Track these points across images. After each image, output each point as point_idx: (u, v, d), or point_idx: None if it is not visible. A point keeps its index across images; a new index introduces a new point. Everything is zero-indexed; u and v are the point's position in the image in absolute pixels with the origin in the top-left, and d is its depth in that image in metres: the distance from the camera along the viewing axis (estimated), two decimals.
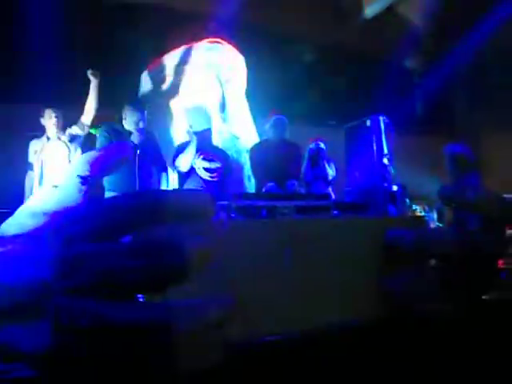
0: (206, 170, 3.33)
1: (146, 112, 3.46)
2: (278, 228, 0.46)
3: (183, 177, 3.40)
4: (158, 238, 0.32)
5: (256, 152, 3.93)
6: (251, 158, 3.96)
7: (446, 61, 6.78)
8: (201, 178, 3.33)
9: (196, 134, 3.45)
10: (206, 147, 3.43)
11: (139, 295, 0.32)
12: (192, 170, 3.35)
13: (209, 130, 3.59)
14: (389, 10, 6.51)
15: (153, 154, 3.39)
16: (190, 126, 3.55)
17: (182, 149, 3.42)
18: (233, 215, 0.49)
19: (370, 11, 6.56)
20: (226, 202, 0.49)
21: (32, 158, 3.78)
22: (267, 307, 0.42)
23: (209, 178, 3.33)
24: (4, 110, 4.20)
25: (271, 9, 5.65)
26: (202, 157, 3.34)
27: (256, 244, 0.43)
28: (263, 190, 3.57)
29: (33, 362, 0.30)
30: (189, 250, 0.31)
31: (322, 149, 4.23)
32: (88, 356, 0.30)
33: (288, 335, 0.44)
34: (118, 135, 3.28)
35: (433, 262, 0.48)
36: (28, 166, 3.81)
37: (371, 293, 0.47)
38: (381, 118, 1.33)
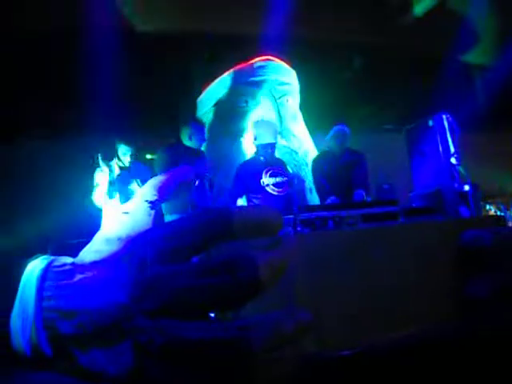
0: (275, 185, 3.39)
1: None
2: (345, 238, 0.45)
3: (251, 195, 3.45)
4: (228, 255, 0.32)
5: (318, 163, 3.91)
6: (314, 170, 3.94)
7: (506, 51, 6.41)
8: (268, 193, 3.38)
9: (260, 146, 3.54)
10: (270, 162, 3.51)
11: (212, 313, 0.33)
12: (259, 186, 3.40)
13: (273, 145, 3.64)
14: (440, 5, 6.29)
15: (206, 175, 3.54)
16: (255, 138, 3.63)
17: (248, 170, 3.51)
18: (299, 228, 0.49)
19: (420, 9, 6.37)
20: (291, 216, 0.49)
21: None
22: (338, 319, 0.41)
23: (276, 193, 3.38)
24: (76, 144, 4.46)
25: (319, 19, 5.65)
26: (269, 173, 3.42)
27: (323, 256, 0.42)
28: (326, 202, 3.54)
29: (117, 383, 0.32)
30: (260, 265, 0.31)
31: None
32: (165, 375, 0.30)
33: (361, 349, 0.42)
34: (177, 158, 3.44)
35: None
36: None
37: (450, 299, 0.45)
38: (444, 117, 1.28)
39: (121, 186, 3.88)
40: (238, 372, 0.30)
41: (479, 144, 5.60)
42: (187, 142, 3.57)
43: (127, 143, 3.94)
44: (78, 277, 0.34)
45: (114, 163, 3.94)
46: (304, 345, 0.32)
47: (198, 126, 3.65)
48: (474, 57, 6.69)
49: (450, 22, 6.22)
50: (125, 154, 3.94)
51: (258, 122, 3.86)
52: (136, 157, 4.04)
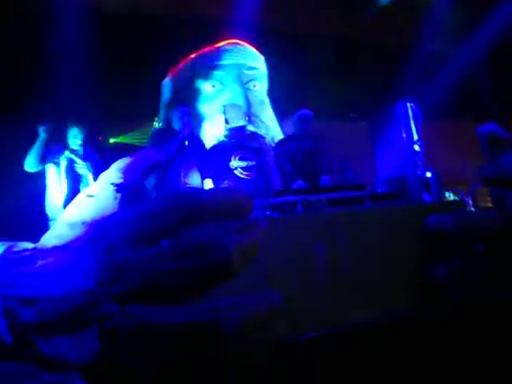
0: (243, 168, 3.40)
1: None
2: (312, 222, 0.45)
3: (219, 177, 3.45)
4: (199, 238, 0.32)
5: (282, 148, 3.92)
6: (277, 155, 3.95)
7: (469, 41, 6.59)
8: (237, 177, 3.38)
9: (232, 129, 3.54)
10: (241, 146, 3.51)
11: (184, 297, 0.32)
12: (228, 170, 3.40)
13: (244, 127, 3.64)
14: None
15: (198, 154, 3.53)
16: (227, 122, 3.61)
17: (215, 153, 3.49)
18: (267, 212, 0.49)
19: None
20: (260, 200, 0.49)
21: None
22: (307, 302, 0.41)
23: (245, 177, 3.39)
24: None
25: (285, 8, 5.63)
26: (239, 156, 3.42)
27: (291, 240, 0.42)
28: (293, 186, 3.57)
29: (82, 371, 0.31)
30: (232, 248, 0.30)
31: None
32: (134, 361, 0.30)
33: (330, 331, 0.43)
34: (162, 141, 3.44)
35: (479, 246, 0.46)
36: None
37: (415, 283, 0.46)
38: (408, 105, 1.30)
39: (69, 170, 3.77)
40: (209, 356, 0.30)
41: (442, 132, 5.76)
42: (176, 125, 3.56)
43: (77, 124, 3.82)
44: (40, 263, 0.33)
45: (64, 156, 3.82)
46: (276, 328, 0.32)
47: (185, 109, 3.64)
48: (438, 46, 6.85)
49: (414, 11, 6.33)
50: (75, 136, 3.81)
51: (227, 105, 3.84)
52: (88, 140, 3.91)
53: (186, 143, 3.44)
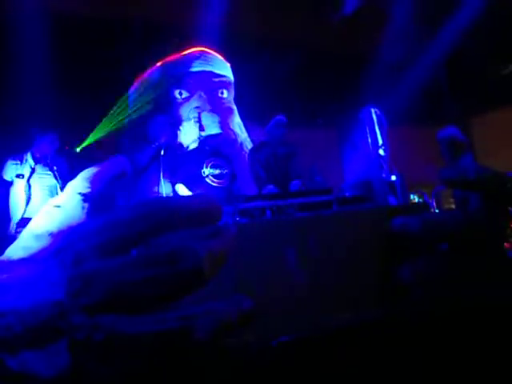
0: (214, 176, 3.38)
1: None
2: (281, 227, 0.46)
3: (191, 184, 3.42)
4: (169, 245, 0.31)
5: (255, 154, 3.93)
6: (251, 161, 3.96)
7: (429, 48, 6.80)
8: (208, 184, 3.37)
9: (207, 137, 3.52)
10: (214, 153, 3.50)
11: (155, 306, 0.32)
12: (199, 177, 3.38)
13: (220, 135, 3.63)
14: (367, 5, 6.53)
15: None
16: (202, 129, 3.58)
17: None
18: (237, 218, 0.49)
19: (348, 8, 6.58)
20: (229, 207, 0.50)
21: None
22: (277, 307, 0.42)
23: (216, 185, 3.37)
24: None
25: (251, 15, 5.67)
26: (211, 164, 3.40)
27: (260, 245, 0.43)
28: (263, 192, 3.58)
29: None
30: (203, 254, 0.30)
31: None
32: (105, 371, 0.29)
33: (301, 335, 0.43)
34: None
35: (443, 247, 0.47)
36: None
37: (383, 285, 0.47)
38: (372, 110, 1.33)
39: (34, 180, 3.66)
40: (181, 363, 0.30)
41: (407, 137, 5.91)
42: (153, 134, 3.55)
43: (42, 131, 3.70)
44: (4, 276, 0.32)
45: (27, 156, 3.70)
46: (247, 334, 0.32)
47: (162, 118, 3.61)
48: (400, 53, 7.03)
49: (377, 20, 6.49)
50: (39, 143, 3.69)
51: (203, 112, 3.84)
52: (56, 147, 3.79)
53: (162, 152, 3.40)
